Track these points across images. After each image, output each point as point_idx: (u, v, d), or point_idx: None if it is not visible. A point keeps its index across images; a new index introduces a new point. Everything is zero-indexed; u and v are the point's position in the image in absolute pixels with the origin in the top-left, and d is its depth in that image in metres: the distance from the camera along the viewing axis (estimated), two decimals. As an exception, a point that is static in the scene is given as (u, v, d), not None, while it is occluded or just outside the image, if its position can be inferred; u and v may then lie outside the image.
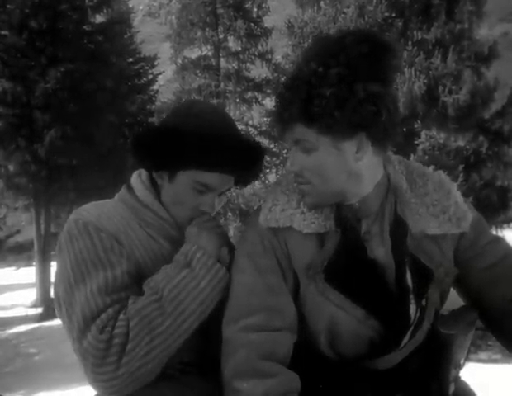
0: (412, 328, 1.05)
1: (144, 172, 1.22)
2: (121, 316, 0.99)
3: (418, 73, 7.38)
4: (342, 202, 1.06)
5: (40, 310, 10.70)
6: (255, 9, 12.99)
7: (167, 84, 17.34)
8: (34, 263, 12.31)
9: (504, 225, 8.39)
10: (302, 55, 1.05)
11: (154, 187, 1.19)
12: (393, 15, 7.80)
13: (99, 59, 11.19)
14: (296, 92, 0.96)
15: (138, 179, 1.21)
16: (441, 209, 1.07)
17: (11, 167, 10.93)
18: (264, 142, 11.57)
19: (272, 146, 12.83)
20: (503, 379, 4.51)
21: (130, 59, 15.31)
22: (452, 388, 1.10)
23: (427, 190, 1.09)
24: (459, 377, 1.17)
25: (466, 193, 6.13)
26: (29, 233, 13.35)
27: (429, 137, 7.29)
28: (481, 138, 7.82)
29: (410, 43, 7.61)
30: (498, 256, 1.11)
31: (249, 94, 13.14)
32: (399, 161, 1.14)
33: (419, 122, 7.48)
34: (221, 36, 12.78)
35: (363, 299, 1.03)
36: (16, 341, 8.86)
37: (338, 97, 0.93)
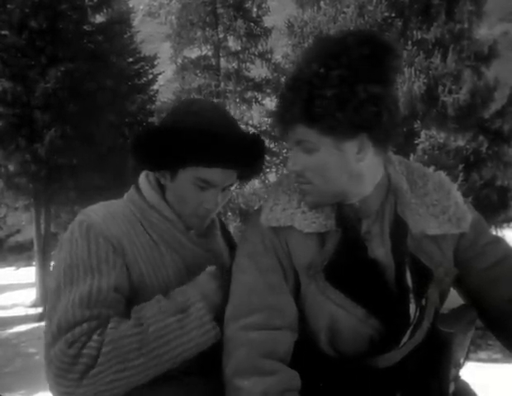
0: (412, 328, 1.06)
1: (151, 173, 1.21)
2: (95, 336, 0.97)
3: (418, 72, 7.39)
4: (343, 202, 1.06)
5: (39, 310, 10.65)
6: (255, 9, 13.00)
7: (167, 84, 17.35)
8: (34, 263, 12.31)
9: (504, 225, 8.40)
10: (303, 56, 1.05)
11: (161, 187, 1.19)
12: (393, 15, 7.81)
13: (99, 59, 11.18)
14: (297, 93, 0.97)
15: (145, 179, 1.21)
16: (441, 210, 1.07)
17: (11, 167, 10.93)
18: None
19: (272, 146, 12.82)
20: (503, 378, 4.50)
21: (130, 59, 15.31)
22: (452, 387, 1.10)
23: (427, 191, 1.09)
24: (459, 377, 1.17)
25: (466, 193, 6.14)
26: (29, 232, 13.35)
27: (428, 137, 7.31)
28: (480, 137, 7.82)
29: (409, 43, 7.62)
30: (498, 257, 1.11)
31: (249, 94, 13.15)
32: (399, 161, 1.14)
33: (418, 122, 7.50)
34: (221, 36, 12.79)
35: (364, 298, 1.03)
36: (16, 341, 8.83)
37: (340, 98, 0.93)
